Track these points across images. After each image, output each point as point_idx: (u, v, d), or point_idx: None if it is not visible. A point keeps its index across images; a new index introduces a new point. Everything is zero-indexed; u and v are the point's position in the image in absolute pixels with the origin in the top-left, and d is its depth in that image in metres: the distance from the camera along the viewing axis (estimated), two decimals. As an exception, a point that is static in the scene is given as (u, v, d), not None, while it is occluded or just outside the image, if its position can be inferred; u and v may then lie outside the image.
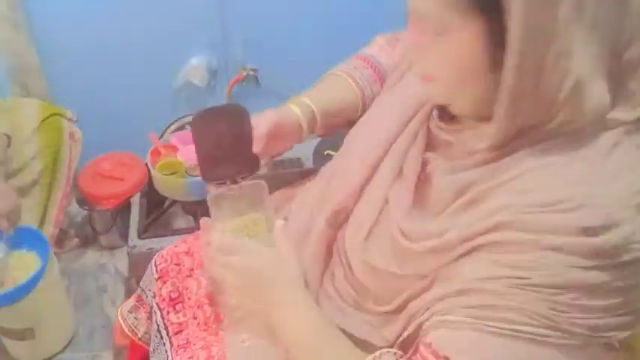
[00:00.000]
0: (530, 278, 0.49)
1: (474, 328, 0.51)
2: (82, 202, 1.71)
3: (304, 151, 1.64)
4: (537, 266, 0.49)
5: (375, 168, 0.70)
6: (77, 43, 1.69)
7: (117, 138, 1.84)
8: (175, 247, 0.92)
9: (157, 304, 0.87)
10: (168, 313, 0.85)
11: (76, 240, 1.74)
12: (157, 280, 0.89)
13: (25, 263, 1.28)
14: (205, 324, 0.82)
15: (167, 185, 1.52)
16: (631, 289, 0.50)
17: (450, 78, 0.58)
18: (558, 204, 0.49)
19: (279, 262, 0.66)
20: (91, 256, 1.73)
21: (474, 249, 0.54)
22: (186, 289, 0.86)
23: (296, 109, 0.81)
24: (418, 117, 0.69)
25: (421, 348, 0.54)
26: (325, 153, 1.59)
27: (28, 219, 1.43)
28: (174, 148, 1.62)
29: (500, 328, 0.50)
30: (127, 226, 1.54)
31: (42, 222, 1.53)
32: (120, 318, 0.98)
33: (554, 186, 0.50)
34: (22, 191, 1.49)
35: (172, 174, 1.54)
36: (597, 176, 0.50)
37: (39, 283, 1.25)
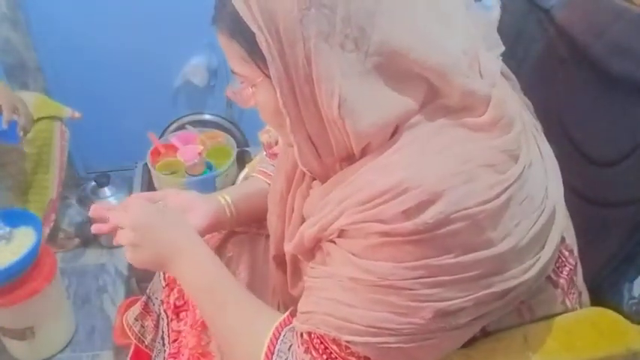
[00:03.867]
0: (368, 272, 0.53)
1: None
2: (82, 202, 1.72)
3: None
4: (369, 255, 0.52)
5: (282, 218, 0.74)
6: (77, 43, 1.69)
7: (117, 138, 1.85)
8: None
9: (164, 310, 0.88)
10: (171, 320, 0.86)
11: (76, 240, 1.74)
12: (164, 288, 0.89)
13: (26, 238, 1.29)
14: (191, 326, 0.82)
15: (167, 185, 1.53)
16: (456, 269, 0.51)
17: (272, 125, 0.62)
18: (382, 195, 0.51)
19: (166, 216, 0.73)
20: (91, 256, 1.73)
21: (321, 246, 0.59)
22: None
23: (222, 200, 0.85)
24: (299, 170, 0.71)
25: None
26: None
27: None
28: (174, 148, 1.63)
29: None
30: (126, 226, 1.53)
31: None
32: (125, 325, 0.98)
33: (378, 180, 0.52)
34: (18, 196, 1.50)
35: (172, 173, 1.55)
36: (417, 158, 0.52)
37: (43, 287, 1.26)
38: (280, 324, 0.62)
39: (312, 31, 0.50)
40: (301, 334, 0.59)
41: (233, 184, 1.48)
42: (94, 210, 0.78)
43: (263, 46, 0.52)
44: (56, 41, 1.68)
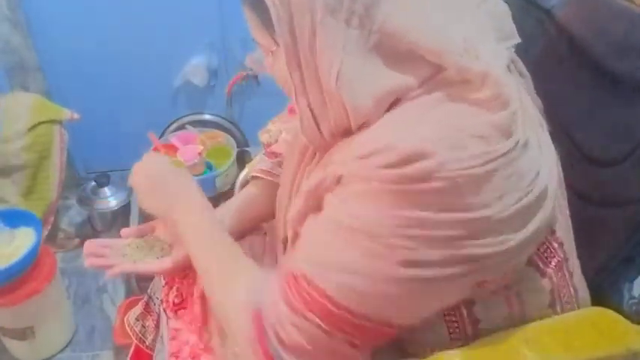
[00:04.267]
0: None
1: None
2: (82, 202, 1.72)
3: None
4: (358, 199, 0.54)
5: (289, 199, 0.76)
6: (77, 43, 1.69)
7: (117, 138, 1.85)
8: None
9: (164, 309, 0.88)
10: (169, 318, 0.86)
11: (76, 240, 1.74)
12: (164, 287, 0.90)
13: (26, 238, 1.30)
14: (190, 322, 0.83)
15: (167, 185, 1.52)
16: (436, 226, 0.52)
17: (286, 91, 0.64)
18: (375, 152, 0.53)
19: (176, 172, 0.81)
20: (91, 256, 1.73)
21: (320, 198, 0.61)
22: (191, 295, 0.87)
23: None
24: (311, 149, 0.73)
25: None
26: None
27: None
28: (174, 148, 1.63)
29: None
30: (127, 226, 1.53)
31: None
32: (127, 326, 0.98)
33: (373, 139, 0.55)
34: (20, 201, 1.50)
35: (172, 174, 1.54)
36: (412, 125, 0.54)
37: (43, 287, 1.27)
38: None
39: (320, 4, 0.53)
40: (288, 276, 0.60)
41: (233, 184, 1.48)
42: (88, 247, 0.83)
43: (274, 16, 0.55)
44: (56, 41, 1.68)
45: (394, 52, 0.55)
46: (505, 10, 0.65)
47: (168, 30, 1.69)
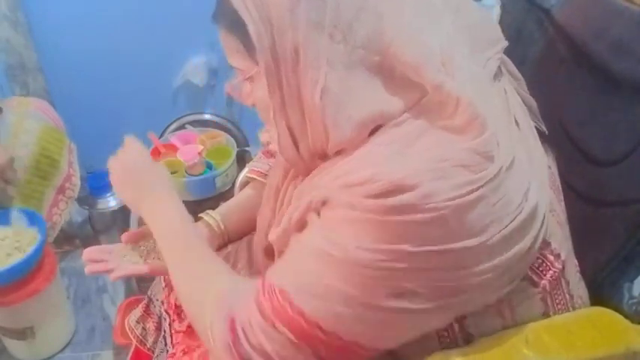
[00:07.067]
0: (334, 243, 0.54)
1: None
2: (82, 202, 1.72)
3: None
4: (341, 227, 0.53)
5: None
6: (77, 43, 1.69)
7: (117, 137, 1.84)
8: None
9: (165, 311, 0.88)
10: (174, 320, 0.86)
11: (76, 240, 1.74)
12: (164, 288, 0.90)
13: (31, 238, 1.29)
14: (188, 326, 0.83)
15: (167, 185, 1.52)
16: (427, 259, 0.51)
17: (266, 119, 0.63)
18: (361, 183, 0.52)
19: (152, 165, 0.82)
20: (91, 256, 1.73)
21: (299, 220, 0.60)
22: None
23: (210, 220, 0.91)
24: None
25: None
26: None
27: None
28: (174, 148, 1.63)
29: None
30: (127, 226, 1.54)
31: None
32: (127, 328, 0.98)
33: (358, 169, 0.53)
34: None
35: (172, 173, 1.54)
36: (395, 156, 0.53)
37: (43, 287, 1.27)
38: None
39: (302, 20, 0.52)
40: (265, 285, 0.59)
41: (233, 184, 1.48)
42: (87, 253, 0.84)
43: (254, 36, 0.54)
44: (56, 41, 1.68)
45: (379, 70, 0.54)
46: (483, 17, 0.63)
47: (169, 30, 1.69)
